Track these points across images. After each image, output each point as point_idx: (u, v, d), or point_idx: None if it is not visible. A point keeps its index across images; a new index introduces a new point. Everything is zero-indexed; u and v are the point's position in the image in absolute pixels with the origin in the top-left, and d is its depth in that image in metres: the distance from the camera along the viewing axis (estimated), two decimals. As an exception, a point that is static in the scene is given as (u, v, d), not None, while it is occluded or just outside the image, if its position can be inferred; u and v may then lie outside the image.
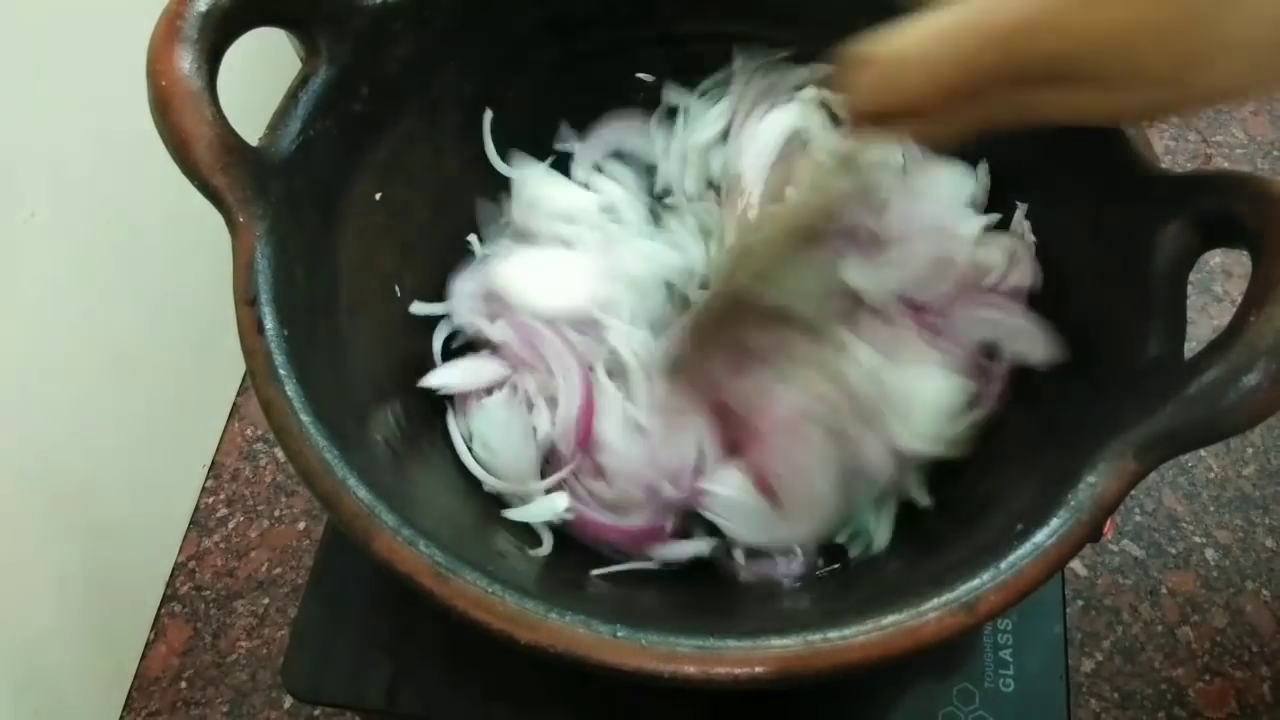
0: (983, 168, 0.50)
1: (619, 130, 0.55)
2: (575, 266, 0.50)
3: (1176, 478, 0.86)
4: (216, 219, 0.39)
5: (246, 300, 0.38)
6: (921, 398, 0.44)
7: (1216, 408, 0.33)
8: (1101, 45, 0.29)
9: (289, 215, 0.40)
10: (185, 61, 0.37)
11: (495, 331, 0.49)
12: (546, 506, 0.44)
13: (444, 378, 0.48)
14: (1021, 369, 0.46)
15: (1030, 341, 0.45)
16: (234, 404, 0.97)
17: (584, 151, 0.55)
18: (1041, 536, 0.34)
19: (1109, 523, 0.36)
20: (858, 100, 0.34)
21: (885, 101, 0.33)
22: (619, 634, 0.32)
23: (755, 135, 0.52)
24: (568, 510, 0.44)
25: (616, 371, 0.48)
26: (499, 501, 0.47)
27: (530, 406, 0.47)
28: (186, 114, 0.37)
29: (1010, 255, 0.48)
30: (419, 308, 0.50)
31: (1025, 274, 0.47)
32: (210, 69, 0.38)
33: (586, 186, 0.54)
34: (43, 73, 0.66)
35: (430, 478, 0.45)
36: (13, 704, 0.71)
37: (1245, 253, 0.35)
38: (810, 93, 0.52)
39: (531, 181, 0.53)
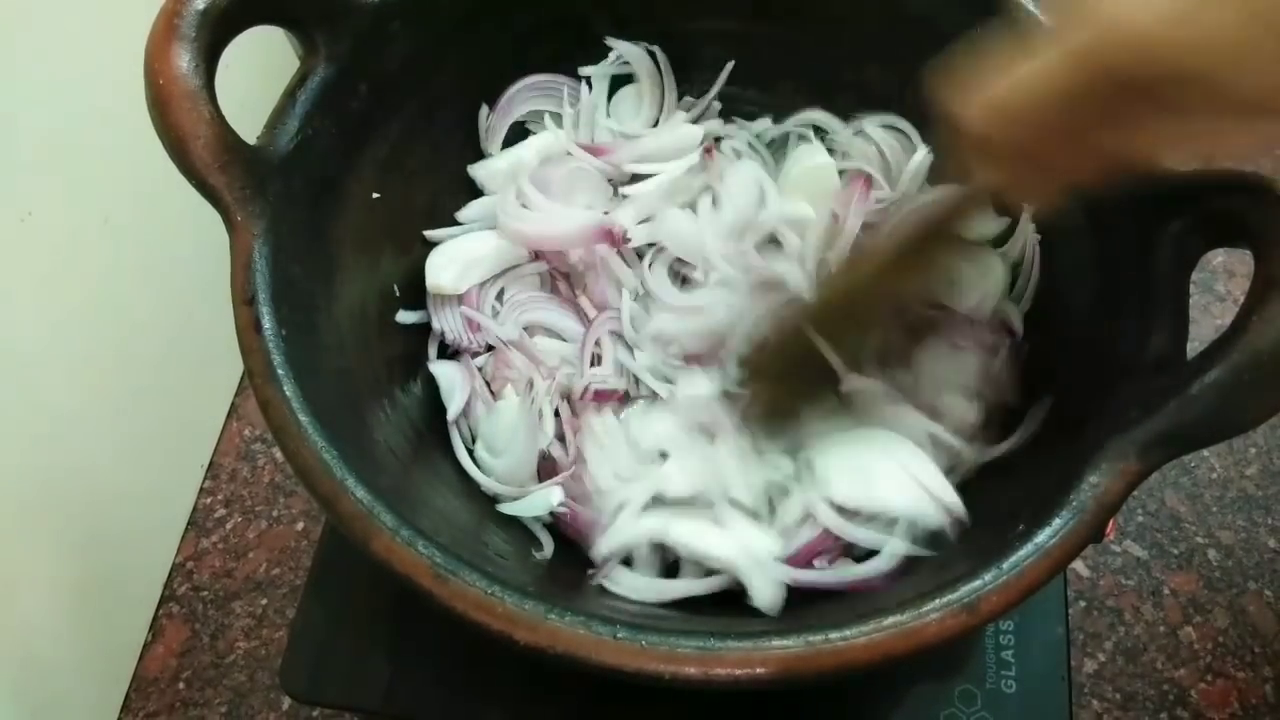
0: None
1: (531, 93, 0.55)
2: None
3: (1179, 478, 0.86)
4: (215, 218, 0.39)
5: (244, 299, 0.37)
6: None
7: (1219, 408, 0.33)
8: (1207, 54, 0.26)
9: (287, 214, 0.40)
10: (183, 60, 0.37)
11: (504, 331, 0.49)
12: (540, 500, 0.44)
13: (443, 370, 0.48)
14: (1022, 365, 0.46)
15: (999, 385, 0.45)
16: (232, 404, 0.96)
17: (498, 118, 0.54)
18: (1043, 537, 0.33)
19: (1111, 523, 0.36)
20: (969, 133, 0.33)
21: (995, 134, 0.32)
22: (619, 635, 0.32)
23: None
24: (561, 505, 0.44)
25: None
26: (498, 501, 0.46)
27: (540, 412, 0.47)
28: (184, 113, 0.37)
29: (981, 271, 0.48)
30: (404, 316, 0.49)
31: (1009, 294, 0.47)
32: (208, 67, 0.38)
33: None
34: (39, 71, 0.66)
35: (430, 478, 0.45)
36: (10, 705, 0.70)
37: (1248, 252, 0.35)
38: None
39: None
